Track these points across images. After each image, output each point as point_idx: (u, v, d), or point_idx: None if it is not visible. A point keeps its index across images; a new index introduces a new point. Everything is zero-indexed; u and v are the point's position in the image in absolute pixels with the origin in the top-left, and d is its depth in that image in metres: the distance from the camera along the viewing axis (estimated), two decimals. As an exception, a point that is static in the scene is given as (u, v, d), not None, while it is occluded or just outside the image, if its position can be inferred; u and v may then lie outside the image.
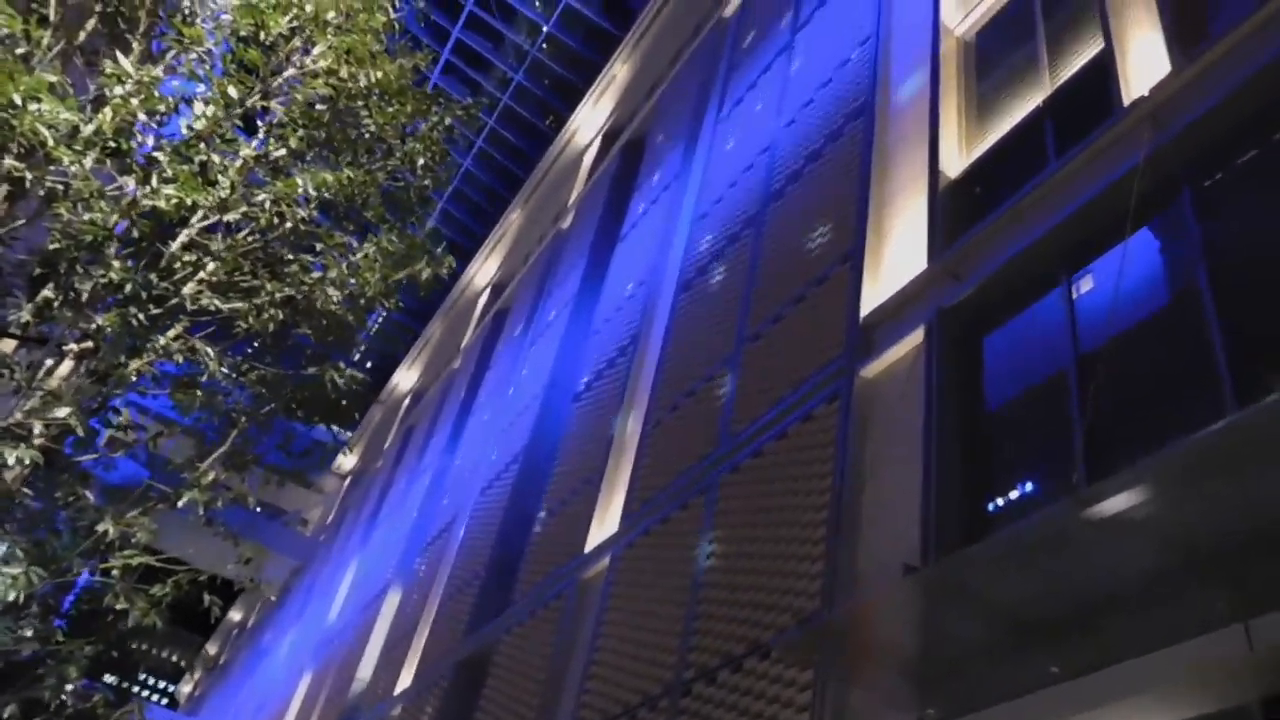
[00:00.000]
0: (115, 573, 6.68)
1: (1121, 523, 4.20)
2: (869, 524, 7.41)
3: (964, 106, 9.49)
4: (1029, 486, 6.60)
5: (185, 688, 54.45)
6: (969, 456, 7.05)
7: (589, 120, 26.90)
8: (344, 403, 8.18)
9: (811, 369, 9.12)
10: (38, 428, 5.98)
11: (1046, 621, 4.84)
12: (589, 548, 12.33)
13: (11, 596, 5.94)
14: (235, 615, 45.68)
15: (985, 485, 6.85)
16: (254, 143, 7.85)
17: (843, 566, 7.27)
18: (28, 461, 5.81)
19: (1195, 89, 6.40)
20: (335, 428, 9.40)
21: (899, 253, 8.99)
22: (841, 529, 7.48)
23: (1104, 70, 7.57)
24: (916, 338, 7.96)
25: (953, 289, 7.78)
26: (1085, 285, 6.83)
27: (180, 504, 6.83)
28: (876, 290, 8.98)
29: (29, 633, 7.13)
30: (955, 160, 9.05)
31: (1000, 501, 6.72)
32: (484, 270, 32.72)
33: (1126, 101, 6.99)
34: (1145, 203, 6.22)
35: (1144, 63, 7.18)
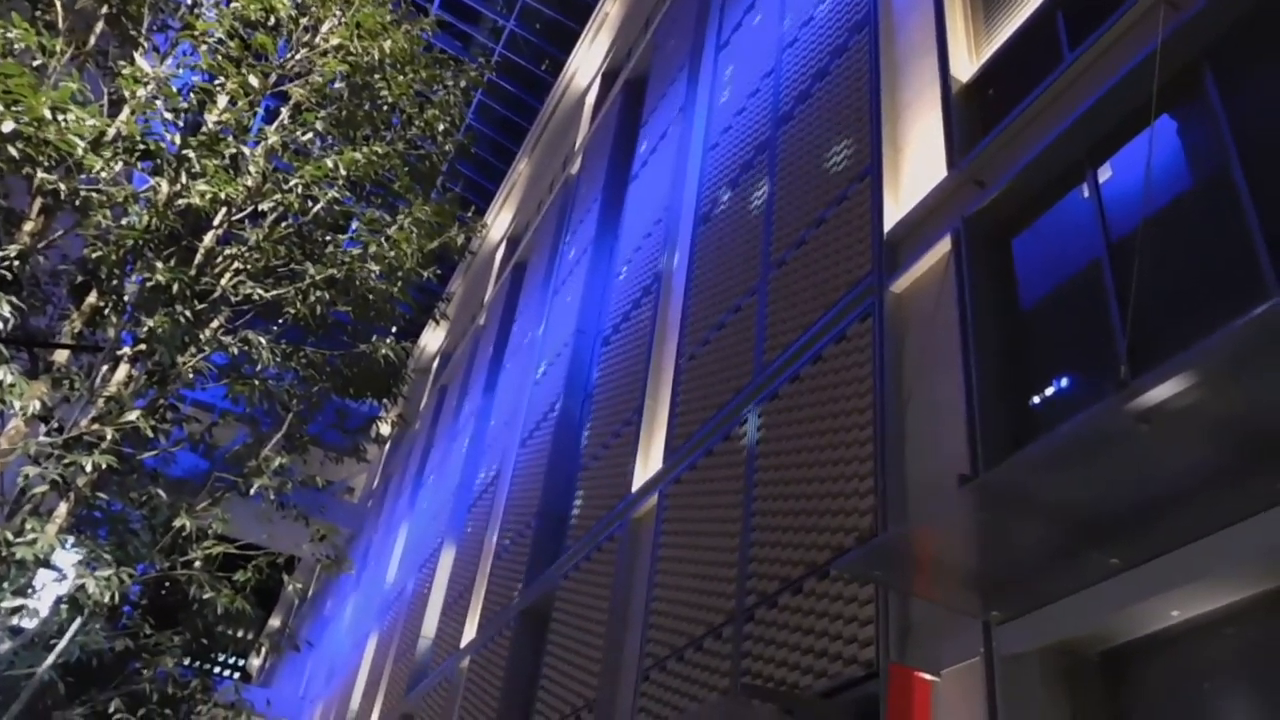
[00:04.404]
0: (197, 564, 6.88)
1: (1170, 412, 4.21)
2: (916, 436, 7.49)
3: (970, 7, 9.33)
4: (1073, 384, 6.63)
5: (255, 661, 56.01)
6: (1009, 360, 7.08)
7: (586, 62, 26.61)
8: (394, 377, 8.27)
9: (841, 290, 9.14)
10: (108, 434, 6.14)
11: (1104, 518, 4.91)
12: (636, 487, 12.52)
13: (106, 599, 6.15)
14: (295, 586, 46.66)
15: (1028, 387, 6.89)
16: (275, 128, 7.85)
17: (894, 481, 7.37)
18: (104, 466, 5.97)
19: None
20: (385, 400, 9.51)
21: (918, 164, 8.94)
22: (888, 444, 7.56)
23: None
24: (944, 247, 7.95)
25: (976, 195, 7.75)
26: (1111, 178, 6.78)
27: (251, 492, 7.00)
28: (898, 205, 8.95)
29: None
30: (966, 64, 8.93)
31: (1045, 402, 6.76)
32: (498, 224, 32.66)
33: (1138, -15, 6.85)
34: (1168, 88, 6.14)
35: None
